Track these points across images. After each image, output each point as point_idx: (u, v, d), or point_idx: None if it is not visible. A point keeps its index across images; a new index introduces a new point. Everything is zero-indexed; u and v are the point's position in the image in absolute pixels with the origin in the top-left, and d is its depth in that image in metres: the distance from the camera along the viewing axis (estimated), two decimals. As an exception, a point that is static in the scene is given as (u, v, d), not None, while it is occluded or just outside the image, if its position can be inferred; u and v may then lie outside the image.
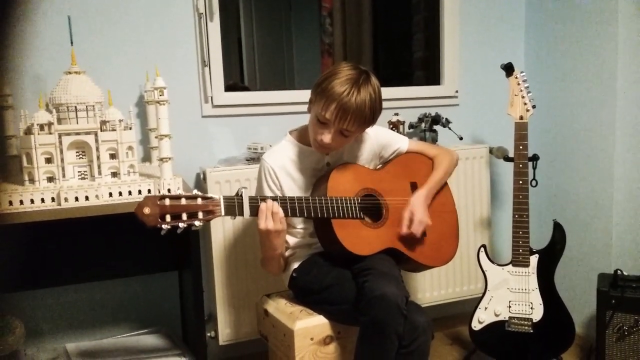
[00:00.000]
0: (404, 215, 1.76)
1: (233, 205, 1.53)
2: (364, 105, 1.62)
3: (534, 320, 2.06)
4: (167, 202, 1.43)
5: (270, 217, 1.57)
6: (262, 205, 1.57)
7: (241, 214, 1.54)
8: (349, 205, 1.69)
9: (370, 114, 1.66)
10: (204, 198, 1.48)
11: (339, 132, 1.66)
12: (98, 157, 1.71)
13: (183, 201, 1.45)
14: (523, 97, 2.06)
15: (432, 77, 2.68)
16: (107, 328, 2.18)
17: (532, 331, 2.06)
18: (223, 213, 1.50)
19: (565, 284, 2.33)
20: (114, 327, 2.18)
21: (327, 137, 1.66)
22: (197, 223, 1.46)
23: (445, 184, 1.94)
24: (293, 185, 1.76)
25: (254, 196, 1.58)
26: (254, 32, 2.86)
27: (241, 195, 1.54)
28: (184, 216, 1.44)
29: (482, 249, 2.15)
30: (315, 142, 1.71)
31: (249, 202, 1.55)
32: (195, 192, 1.49)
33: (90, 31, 2.00)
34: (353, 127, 1.65)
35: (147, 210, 1.40)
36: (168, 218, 1.42)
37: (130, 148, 1.75)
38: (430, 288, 2.47)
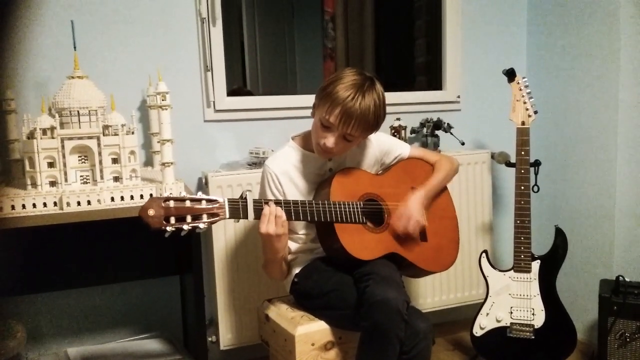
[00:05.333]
0: (400, 215, 1.75)
1: (237, 208, 1.53)
2: (368, 110, 1.63)
3: (536, 327, 2.06)
4: (172, 204, 1.43)
5: (273, 221, 1.57)
6: (265, 208, 1.57)
7: (245, 217, 1.55)
8: (351, 209, 1.69)
9: (374, 120, 1.67)
10: (208, 201, 1.48)
11: (342, 137, 1.67)
12: (100, 162, 1.71)
13: (187, 203, 1.45)
14: (525, 102, 2.06)
15: (434, 82, 2.68)
16: (108, 332, 2.17)
17: (533, 337, 2.06)
18: (227, 216, 1.51)
19: (567, 290, 2.32)
20: (115, 332, 2.18)
21: (330, 142, 1.66)
22: (201, 225, 1.45)
23: (446, 189, 1.94)
24: (296, 191, 1.76)
25: (258, 199, 1.59)
26: (256, 37, 2.86)
27: (245, 199, 1.55)
28: (188, 218, 1.44)
29: (484, 254, 2.15)
30: (318, 146, 1.71)
31: (254, 205, 1.56)
32: (199, 194, 1.49)
33: (93, 36, 2.01)
34: (357, 132, 1.66)
35: (151, 212, 1.40)
36: (172, 220, 1.42)
37: (132, 152, 1.75)
38: (432, 293, 2.46)
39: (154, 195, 1.70)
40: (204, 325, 1.91)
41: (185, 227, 1.43)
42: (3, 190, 1.68)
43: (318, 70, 2.94)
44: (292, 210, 1.62)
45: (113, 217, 1.66)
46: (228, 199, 1.51)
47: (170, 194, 1.59)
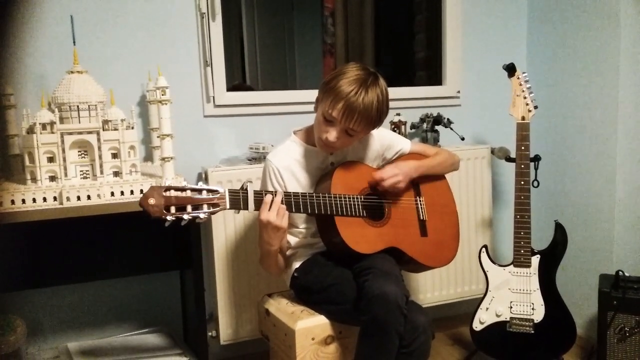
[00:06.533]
0: (383, 169, 1.76)
1: (238, 199, 1.53)
2: (371, 106, 1.63)
3: (535, 321, 2.06)
4: (173, 193, 1.43)
5: (275, 210, 1.57)
6: (267, 196, 1.57)
7: (246, 207, 1.55)
8: (352, 202, 1.69)
9: (376, 115, 1.67)
10: (209, 191, 1.48)
11: (345, 132, 1.67)
12: (100, 157, 1.71)
13: (188, 193, 1.45)
14: (525, 97, 2.06)
15: (434, 77, 2.67)
16: (108, 327, 2.18)
17: (533, 332, 2.06)
18: (228, 206, 1.51)
19: (567, 284, 2.32)
20: (115, 327, 2.19)
21: (332, 136, 1.66)
22: (201, 215, 1.46)
23: (447, 184, 1.94)
24: (297, 186, 1.76)
25: (259, 190, 1.59)
26: (256, 32, 2.86)
27: (246, 189, 1.55)
28: (189, 208, 1.44)
29: (484, 249, 2.15)
30: (320, 140, 1.71)
31: (254, 196, 1.56)
32: (200, 184, 1.49)
33: (93, 31, 2.00)
34: (359, 127, 1.66)
35: (152, 201, 1.41)
36: (173, 209, 1.42)
37: (132, 147, 1.75)
38: (432, 288, 2.47)
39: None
40: (204, 320, 1.92)
41: (186, 216, 1.43)
42: (3, 185, 1.68)
43: (318, 66, 2.94)
44: (293, 201, 1.62)
45: (113, 212, 1.66)
46: (229, 189, 1.52)
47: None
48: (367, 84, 1.63)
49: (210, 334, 2.16)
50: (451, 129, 2.44)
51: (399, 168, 1.78)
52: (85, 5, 1.99)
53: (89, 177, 1.73)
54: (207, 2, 2.13)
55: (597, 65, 2.31)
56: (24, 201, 1.60)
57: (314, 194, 1.66)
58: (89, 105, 1.72)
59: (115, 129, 1.73)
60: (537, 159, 2.22)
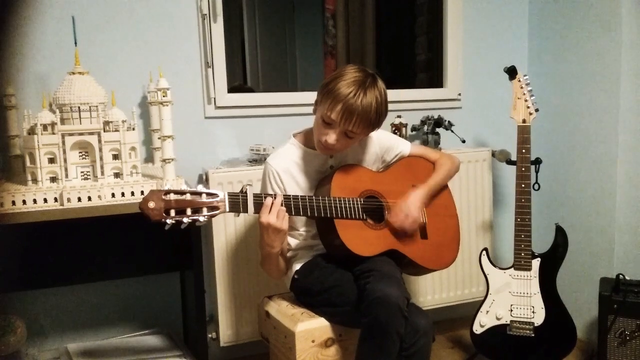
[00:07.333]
0: (398, 211, 1.75)
1: (237, 202, 1.53)
2: (369, 107, 1.63)
3: (536, 324, 2.06)
4: (172, 196, 1.43)
5: (275, 213, 1.57)
6: (267, 199, 1.57)
7: (245, 211, 1.55)
8: (352, 205, 1.69)
9: (375, 117, 1.67)
10: (208, 194, 1.48)
11: (344, 134, 1.67)
12: (101, 158, 1.71)
13: (188, 196, 1.45)
14: (526, 100, 2.06)
15: (435, 79, 2.67)
16: (108, 328, 2.18)
17: (533, 335, 2.06)
18: (227, 209, 1.51)
19: (567, 288, 2.32)
20: (115, 328, 2.19)
21: (331, 138, 1.66)
22: (201, 219, 1.46)
23: (447, 187, 1.94)
24: (297, 188, 1.76)
25: (258, 193, 1.59)
26: (257, 34, 2.86)
27: (246, 192, 1.55)
28: (189, 211, 1.44)
29: (484, 252, 2.15)
30: (319, 142, 1.71)
31: (254, 200, 1.56)
32: (200, 187, 1.49)
33: (94, 32, 2.01)
34: (358, 129, 1.66)
35: (151, 205, 1.41)
36: (172, 213, 1.43)
37: (133, 149, 1.75)
38: (432, 291, 2.46)
39: (155, 191, 1.71)
40: (204, 321, 1.92)
41: (185, 220, 1.43)
42: (4, 186, 1.68)
43: (319, 68, 2.94)
44: (292, 204, 1.62)
45: (113, 213, 1.66)
46: (228, 192, 1.52)
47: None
48: (365, 85, 1.63)
49: (210, 335, 2.15)
50: (452, 131, 2.43)
51: (410, 206, 1.75)
52: (87, 6, 1.99)
53: (89, 178, 1.72)
54: (209, 4, 2.14)
55: (599, 68, 2.31)
56: (24, 202, 1.59)
57: (313, 197, 1.66)
58: (90, 106, 1.72)
59: (116, 130, 1.73)
60: (538, 161, 2.23)
